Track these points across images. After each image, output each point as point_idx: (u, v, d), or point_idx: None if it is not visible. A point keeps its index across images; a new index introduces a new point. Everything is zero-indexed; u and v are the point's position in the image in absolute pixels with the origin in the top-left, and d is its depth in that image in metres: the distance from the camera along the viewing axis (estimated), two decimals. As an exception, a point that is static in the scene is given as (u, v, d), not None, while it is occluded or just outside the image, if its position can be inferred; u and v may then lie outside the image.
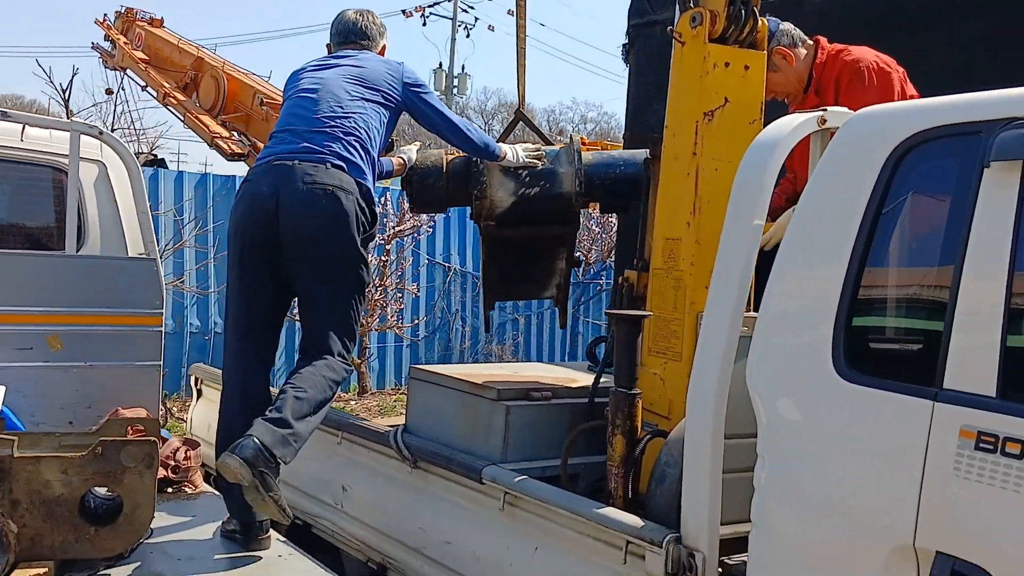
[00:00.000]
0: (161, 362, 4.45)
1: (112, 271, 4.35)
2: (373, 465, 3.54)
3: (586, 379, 3.48)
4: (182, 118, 17.63)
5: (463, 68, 35.39)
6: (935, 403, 1.83)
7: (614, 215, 10.82)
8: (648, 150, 3.36)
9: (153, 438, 2.89)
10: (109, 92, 22.65)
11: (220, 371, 5.05)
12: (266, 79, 18.04)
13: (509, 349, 11.88)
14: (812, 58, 3.65)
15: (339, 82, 3.33)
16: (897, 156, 2.05)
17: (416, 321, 10.93)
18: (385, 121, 3.36)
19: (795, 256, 2.18)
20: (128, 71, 19.04)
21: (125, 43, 17.80)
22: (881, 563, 1.88)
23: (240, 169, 13.16)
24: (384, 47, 3.67)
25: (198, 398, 4.86)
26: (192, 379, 4.91)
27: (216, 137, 15.38)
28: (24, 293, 4.13)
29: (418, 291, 10.84)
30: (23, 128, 4.29)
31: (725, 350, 2.31)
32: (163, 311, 4.44)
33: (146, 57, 17.92)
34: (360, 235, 3.16)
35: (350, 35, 3.61)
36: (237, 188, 3.47)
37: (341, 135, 3.21)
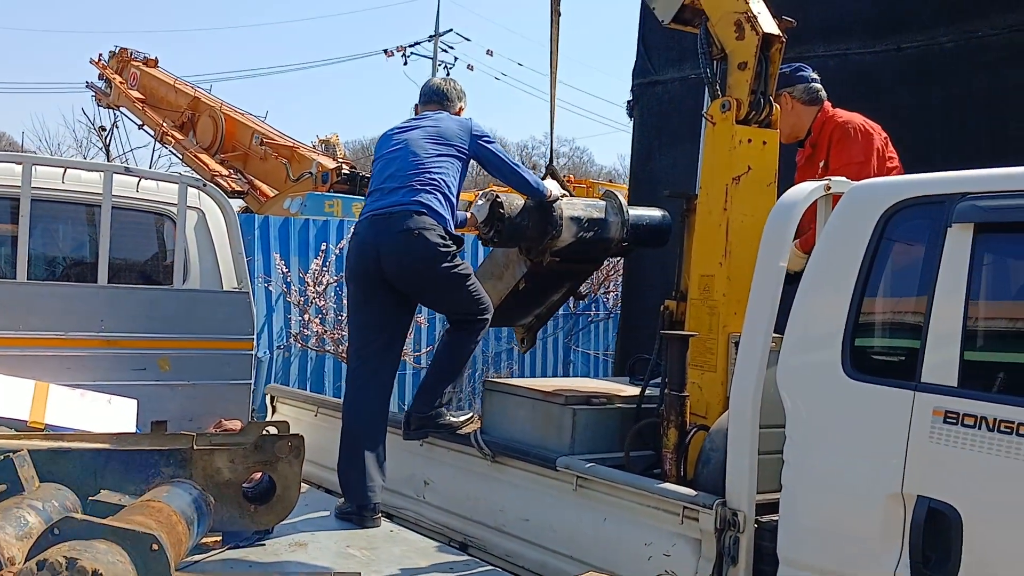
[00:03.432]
0: (251, 380, 5.17)
1: (212, 303, 5.09)
2: (453, 462, 4.26)
3: (630, 390, 4.25)
4: (181, 157, 18.36)
5: (443, 107, 35.92)
6: (916, 392, 2.63)
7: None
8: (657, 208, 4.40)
9: (299, 434, 3.59)
10: (102, 130, 23.00)
11: (293, 390, 5.81)
12: (262, 119, 18.82)
13: (506, 376, 12.56)
14: (814, 117, 4.41)
15: (420, 141, 4.07)
16: (887, 216, 2.86)
17: (422, 352, 11.63)
18: (459, 169, 4.11)
19: (813, 290, 2.98)
20: (123, 109, 19.64)
21: (121, 82, 18.49)
22: (879, 506, 2.66)
23: (238, 205, 13.74)
24: (461, 108, 4.38)
25: (272, 413, 5.54)
26: (268, 397, 5.60)
27: (216, 175, 16.35)
28: (138, 322, 4.85)
29: (425, 322, 11.56)
30: (139, 181, 5.03)
31: (760, 360, 3.10)
32: (253, 337, 5.18)
33: (142, 96, 18.66)
34: (448, 256, 3.91)
35: (433, 96, 4.37)
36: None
37: (421, 187, 3.96)
